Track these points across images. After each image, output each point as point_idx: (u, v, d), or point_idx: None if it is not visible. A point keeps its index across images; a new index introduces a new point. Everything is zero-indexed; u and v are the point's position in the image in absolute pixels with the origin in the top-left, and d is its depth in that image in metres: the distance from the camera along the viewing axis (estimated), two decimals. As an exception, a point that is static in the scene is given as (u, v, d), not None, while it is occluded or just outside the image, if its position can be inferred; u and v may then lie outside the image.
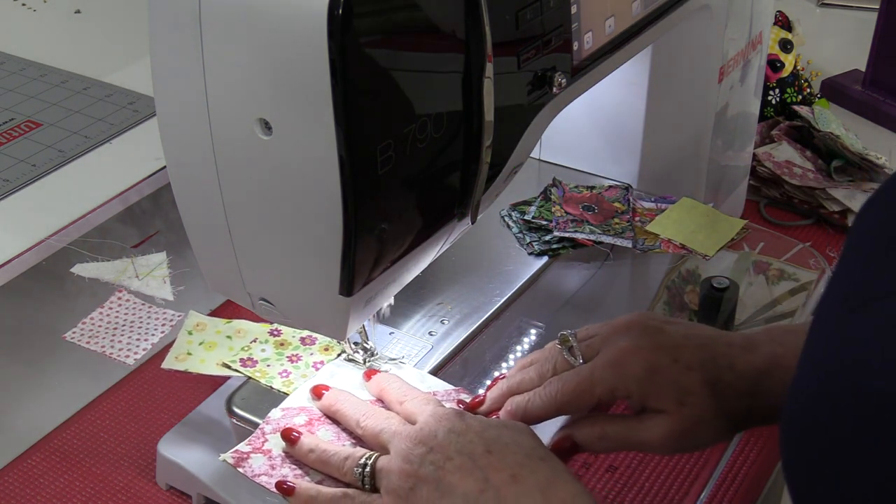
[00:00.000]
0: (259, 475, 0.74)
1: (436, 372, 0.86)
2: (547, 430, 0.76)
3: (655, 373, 0.72)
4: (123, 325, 0.97)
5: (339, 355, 0.86)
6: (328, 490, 0.71)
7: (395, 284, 0.72)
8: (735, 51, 1.04)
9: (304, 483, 0.72)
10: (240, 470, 0.75)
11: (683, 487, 0.84)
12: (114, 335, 0.96)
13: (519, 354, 0.89)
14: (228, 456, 0.75)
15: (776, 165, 1.19)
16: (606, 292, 0.98)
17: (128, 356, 0.93)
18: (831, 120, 1.25)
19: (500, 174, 0.72)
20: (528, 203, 1.04)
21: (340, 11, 0.55)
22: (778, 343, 0.75)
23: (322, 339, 0.90)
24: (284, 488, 0.72)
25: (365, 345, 0.84)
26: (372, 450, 0.73)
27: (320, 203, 0.61)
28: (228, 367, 0.87)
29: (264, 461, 0.75)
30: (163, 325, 0.97)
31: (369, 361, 0.84)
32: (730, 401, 0.72)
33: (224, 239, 0.67)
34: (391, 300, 0.86)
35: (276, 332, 0.90)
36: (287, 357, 0.87)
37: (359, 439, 0.76)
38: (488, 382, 0.86)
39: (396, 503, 0.68)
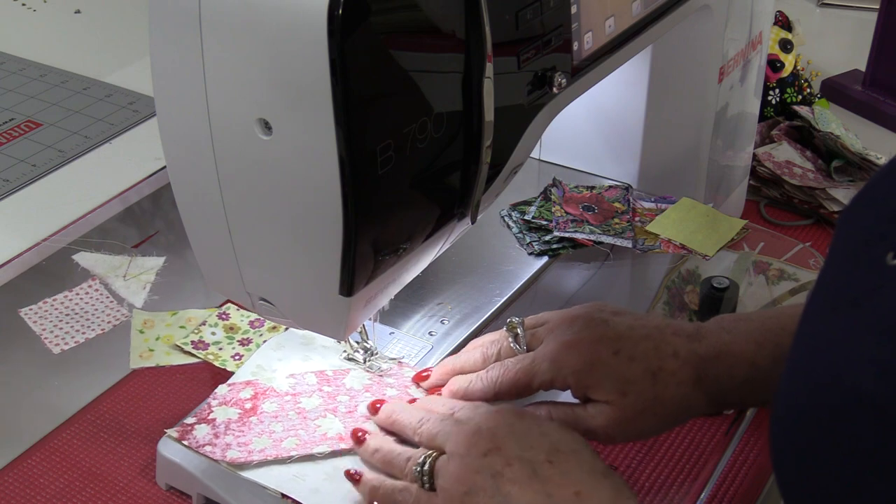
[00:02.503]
0: (203, 445, 0.76)
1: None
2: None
3: (595, 365, 0.73)
4: (74, 314, 0.97)
5: (285, 329, 0.88)
6: (391, 482, 0.71)
7: (395, 284, 0.72)
8: (735, 51, 1.04)
9: (370, 473, 0.73)
10: (184, 443, 0.76)
11: (683, 487, 0.84)
12: (59, 321, 0.96)
13: (519, 354, 0.89)
14: (173, 430, 0.77)
15: (776, 165, 1.19)
16: (606, 292, 0.98)
17: (57, 345, 0.93)
18: (831, 120, 1.25)
19: (500, 174, 0.72)
20: (528, 203, 1.04)
21: (340, 11, 0.55)
22: (726, 331, 0.76)
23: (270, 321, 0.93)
24: (352, 476, 0.73)
25: (365, 344, 0.84)
26: None
27: (320, 203, 0.61)
28: (181, 350, 0.90)
29: (208, 430, 0.77)
30: (107, 322, 0.96)
31: (369, 361, 0.84)
32: (672, 387, 0.73)
33: (224, 239, 0.67)
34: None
35: (224, 316, 0.93)
36: (238, 341, 0.90)
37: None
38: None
39: None
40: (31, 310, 0.97)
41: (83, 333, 0.95)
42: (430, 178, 0.66)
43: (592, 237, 0.97)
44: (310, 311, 0.70)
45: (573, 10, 0.74)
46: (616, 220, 1.00)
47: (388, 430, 0.77)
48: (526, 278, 0.96)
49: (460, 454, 0.68)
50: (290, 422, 0.78)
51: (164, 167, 0.83)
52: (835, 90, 1.41)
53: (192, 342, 0.92)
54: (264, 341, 0.88)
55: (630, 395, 0.72)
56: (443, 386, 0.79)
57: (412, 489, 0.69)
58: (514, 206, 1.03)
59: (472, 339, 0.89)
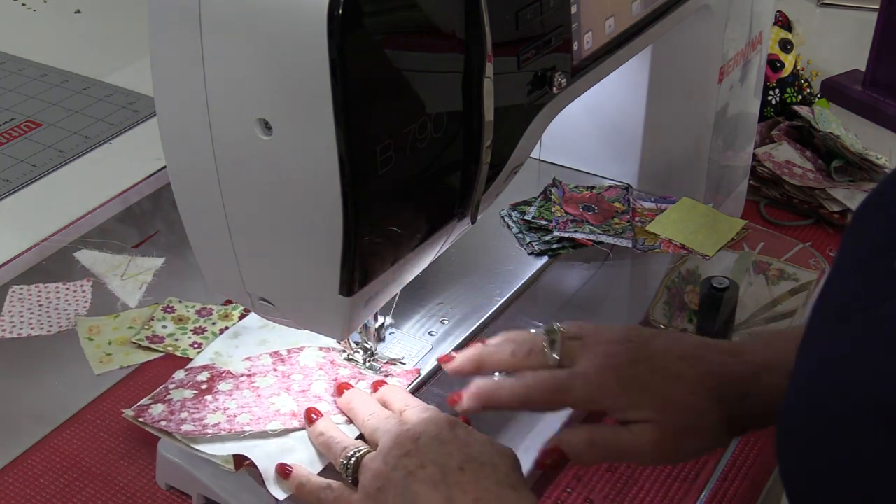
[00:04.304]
0: (158, 421, 0.78)
1: (436, 372, 0.86)
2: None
3: (632, 386, 0.71)
4: (46, 306, 0.98)
5: (240, 319, 0.90)
6: (316, 479, 0.73)
7: (395, 284, 0.72)
8: (735, 51, 1.04)
9: (299, 469, 0.74)
10: (140, 420, 0.79)
11: (683, 487, 0.84)
12: (25, 308, 0.97)
13: (519, 354, 0.89)
14: (130, 410, 0.80)
15: (776, 165, 1.19)
16: (606, 292, 0.98)
17: (3, 330, 0.95)
18: (831, 120, 1.25)
19: (500, 174, 0.72)
20: (528, 203, 1.04)
21: (340, 11, 0.55)
22: (766, 347, 0.75)
23: (220, 308, 0.96)
24: (284, 472, 0.74)
25: (365, 345, 0.84)
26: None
27: (320, 203, 0.61)
28: (139, 346, 0.93)
29: (163, 408, 0.79)
30: (53, 325, 0.97)
31: (369, 361, 0.84)
32: (713, 403, 0.71)
33: (224, 239, 0.67)
34: (391, 318, 0.87)
35: (169, 309, 0.96)
36: (191, 330, 0.93)
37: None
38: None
39: (365, 501, 0.69)
40: (20, 288, 0.98)
41: (24, 329, 0.96)
42: (430, 178, 0.66)
43: (592, 237, 0.97)
44: (310, 311, 0.70)
45: (573, 10, 0.74)
46: (616, 220, 1.00)
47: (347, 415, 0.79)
48: (526, 278, 0.96)
49: (384, 453, 0.70)
50: (245, 399, 0.80)
51: (164, 167, 0.83)
52: (835, 90, 1.41)
53: (147, 338, 0.94)
54: (219, 329, 0.91)
55: (670, 412, 0.70)
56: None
57: (334, 486, 0.72)
58: (514, 206, 1.03)
59: (472, 339, 0.89)
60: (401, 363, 0.85)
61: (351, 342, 0.84)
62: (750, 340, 0.76)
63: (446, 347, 0.88)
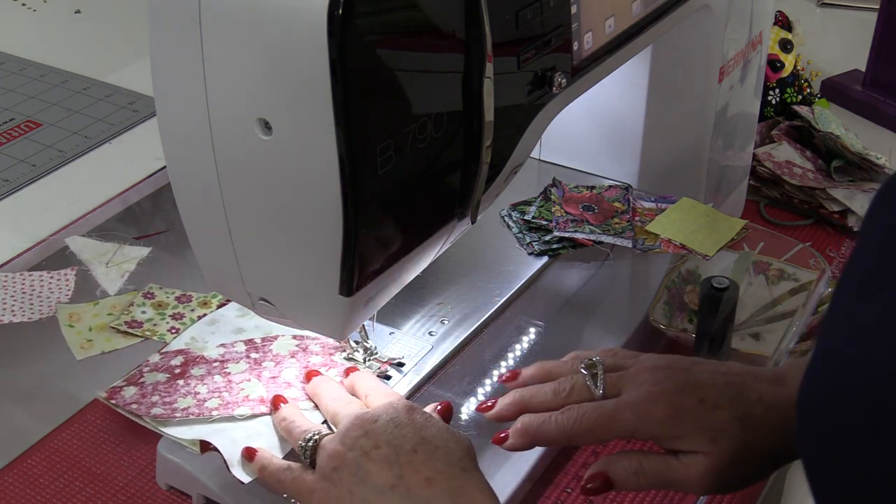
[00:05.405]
0: (129, 404, 0.80)
1: (436, 372, 0.86)
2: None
3: (681, 415, 0.70)
4: (29, 294, 0.98)
5: (219, 307, 0.91)
6: (278, 462, 0.74)
7: (395, 284, 0.72)
8: (735, 51, 1.04)
9: (263, 452, 0.75)
10: (112, 402, 0.80)
11: (683, 487, 0.84)
12: (9, 295, 0.97)
13: (519, 354, 0.89)
14: (103, 392, 0.81)
15: (776, 165, 1.20)
16: (606, 292, 0.98)
17: None
18: (831, 120, 1.25)
19: (500, 174, 0.72)
20: (528, 203, 1.04)
21: (340, 11, 0.55)
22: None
23: (199, 296, 0.98)
24: (249, 455, 0.75)
25: (365, 344, 0.84)
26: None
27: (320, 203, 0.61)
28: (118, 331, 0.94)
29: (135, 391, 0.81)
30: (35, 312, 0.97)
31: (369, 361, 0.84)
32: (762, 434, 0.70)
33: (224, 239, 0.67)
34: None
35: (149, 295, 0.97)
36: (170, 315, 0.95)
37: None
38: (488, 382, 0.86)
39: (321, 482, 0.70)
40: (5, 275, 0.98)
41: (14, 315, 0.96)
42: (430, 178, 0.66)
43: (592, 237, 0.97)
44: (310, 311, 0.70)
45: (573, 10, 0.74)
46: (616, 220, 1.00)
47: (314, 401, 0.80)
48: (526, 278, 0.96)
49: (342, 434, 0.71)
50: (216, 384, 0.81)
51: (164, 167, 0.83)
52: (835, 90, 1.41)
53: (126, 322, 0.95)
54: (197, 316, 0.92)
55: (721, 441, 0.69)
56: (508, 417, 0.75)
57: (293, 467, 0.73)
58: (514, 206, 1.03)
59: (473, 339, 0.90)
60: (401, 363, 0.85)
61: (351, 341, 0.84)
62: (788, 368, 0.75)
63: (446, 347, 0.88)
